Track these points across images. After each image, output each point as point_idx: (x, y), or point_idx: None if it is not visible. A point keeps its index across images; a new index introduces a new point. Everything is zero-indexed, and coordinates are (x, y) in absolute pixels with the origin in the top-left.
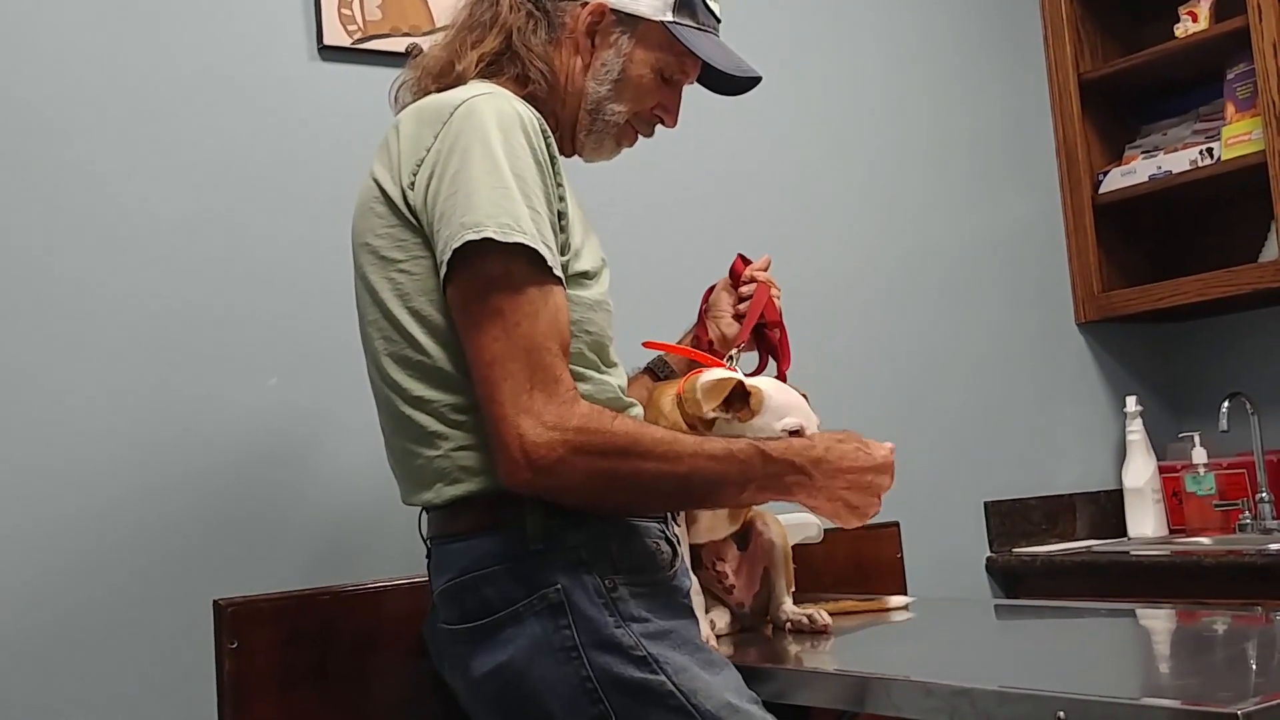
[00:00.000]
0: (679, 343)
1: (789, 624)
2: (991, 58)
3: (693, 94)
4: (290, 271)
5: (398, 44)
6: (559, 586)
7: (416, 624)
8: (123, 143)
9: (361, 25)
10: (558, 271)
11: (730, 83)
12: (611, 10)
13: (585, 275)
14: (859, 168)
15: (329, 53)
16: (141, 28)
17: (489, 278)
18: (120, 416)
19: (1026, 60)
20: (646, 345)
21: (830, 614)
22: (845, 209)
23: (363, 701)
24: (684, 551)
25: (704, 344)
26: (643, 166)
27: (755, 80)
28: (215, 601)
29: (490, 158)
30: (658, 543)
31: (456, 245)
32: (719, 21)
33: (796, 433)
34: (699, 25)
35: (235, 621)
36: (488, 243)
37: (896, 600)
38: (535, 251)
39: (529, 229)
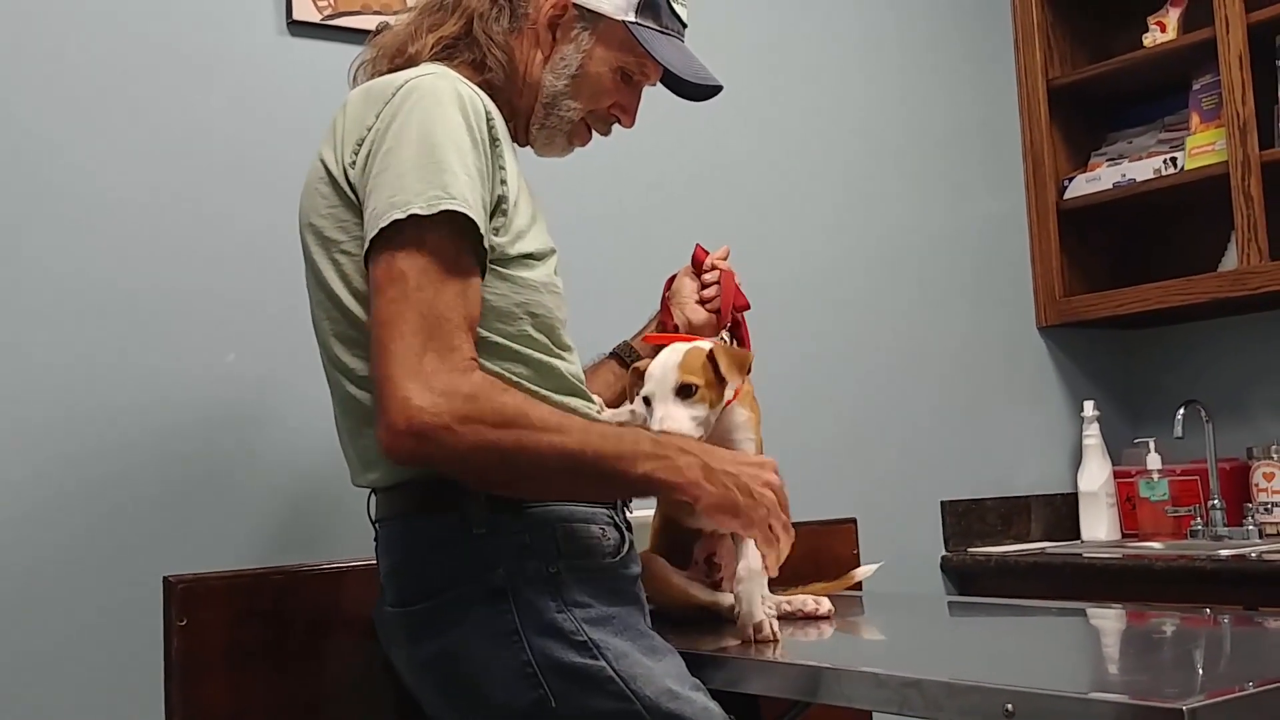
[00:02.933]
0: (645, 329)
1: (792, 612)
2: (962, 62)
3: (663, 92)
4: (253, 249)
5: (369, 21)
6: (501, 571)
7: (372, 606)
8: (83, 118)
9: (332, 1)
10: (485, 243)
11: (690, 89)
12: (574, 5)
13: (531, 256)
14: (827, 170)
15: (298, 28)
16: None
17: (401, 245)
18: (75, 391)
19: (996, 65)
20: (648, 339)
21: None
22: (813, 211)
23: (315, 683)
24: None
25: (670, 329)
26: (613, 163)
27: (715, 89)
28: (165, 578)
29: (426, 137)
30: (604, 529)
31: (382, 224)
32: (684, 26)
33: None
34: (662, 28)
35: (185, 598)
36: (412, 218)
37: (862, 571)
38: (461, 220)
39: (460, 194)
